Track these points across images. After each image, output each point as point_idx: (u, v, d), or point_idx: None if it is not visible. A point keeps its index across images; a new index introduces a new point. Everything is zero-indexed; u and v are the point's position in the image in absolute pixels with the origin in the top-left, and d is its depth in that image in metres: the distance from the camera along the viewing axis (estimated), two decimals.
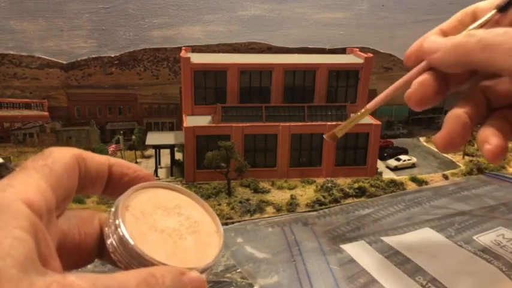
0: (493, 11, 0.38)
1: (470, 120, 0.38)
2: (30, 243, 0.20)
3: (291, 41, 2.14)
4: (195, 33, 2.08)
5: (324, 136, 0.42)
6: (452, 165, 2.90)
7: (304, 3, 2.08)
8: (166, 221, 0.27)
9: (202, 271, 0.25)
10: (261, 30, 2.11)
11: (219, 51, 2.11)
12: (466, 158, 3.32)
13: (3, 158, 1.81)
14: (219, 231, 0.29)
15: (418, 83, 0.39)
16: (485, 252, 0.73)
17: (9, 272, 0.18)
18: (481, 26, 0.39)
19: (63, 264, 0.23)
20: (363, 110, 0.41)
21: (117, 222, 0.25)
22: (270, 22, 2.11)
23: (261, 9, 2.07)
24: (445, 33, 0.41)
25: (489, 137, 0.37)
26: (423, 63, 0.39)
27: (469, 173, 2.41)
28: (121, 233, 0.24)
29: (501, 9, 0.38)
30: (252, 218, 1.39)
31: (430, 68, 0.40)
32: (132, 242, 0.24)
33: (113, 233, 0.25)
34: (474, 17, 0.41)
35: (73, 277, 0.19)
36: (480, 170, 2.40)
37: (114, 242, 0.25)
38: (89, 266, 0.29)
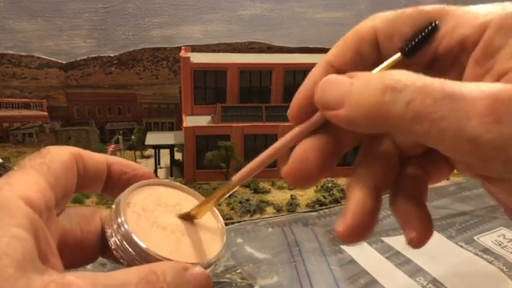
0: (398, 54, 0.26)
1: (377, 192, 0.27)
2: (29, 242, 0.20)
3: (291, 40, 2.14)
4: (195, 33, 2.07)
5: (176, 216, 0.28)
6: None
7: (304, 3, 2.08)
8: (168, 217, 0.27)
9: (206, 266, 0.25)
10: (261, 30, 2.11)
11: (219, 51, 2.11)
12: None
13: (2, 158, 1.81)
14: (222, 228, 0.29)
15: (296, 160, 0.27)
16: (485, 252, 0.72)
17: (6, 272, 0.18)
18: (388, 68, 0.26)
19: (65, 263, 0.23)
20: (228, 186, 0.29)
21: (119, 220, 0.25)
22: (270, 22, 2.11)
23: (261, 9, 2.07)
24: (337, 71, 0.27)
25: (411, 220, 0.27)
26: (316, 118, 0.27)
27: None
28: (124, 230, 0.24)
29: (407, 53, 0.26)
30: (252, 218, 1.39)
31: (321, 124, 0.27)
32: (135, 239, 0.24)
33: (115, 231, 0.25)
34: (374, 46, 0.27)
35: (72, 276, 0.19)
36: None
37: (116, 240, 0.25)
38: (88, 266, 0.29)
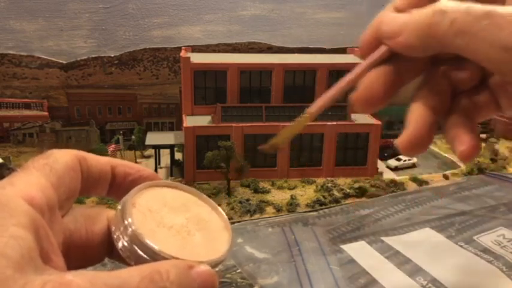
0: None
1: (434, 113, 0.33)
2: (29, 241, 0.20)
3: (291, 41, 2.14)
4: (195, 33, 2.08)
5: (261, 147, 0.35)
6: (452, 165, 2.88)
7: (304, 3, 2.08)
8: (174, 218, 0.27)
9: (212, 265, 0.25)
10: (261, 30, 2.11)
11: (219, 51, 2.11)
12: None
13: (2, 158, 1.81)
14: (228, 228, 0.29)
15: (364, 88, 0.33)
16: (485, 252, 0.72)
17: (4, 273, 0.18)
18: None
19: (72, 264, 0.23)
20: (303, 117, 0.34)
21: (126, 222, 0.25)
22: (270, 22, 2.11)
23: (261, 9, 2.07)
24: (400, 12, 0.33)
25: (461, 136, 0.33)
26: (382, 49, 0.32)
27: (470, 173, 2.40)
28: (131, 231, 0.24)
29: None
30: (252, 218, 1.39)
31: (388, 57, 0.33)
32: (142, 239, 0.24)
33: (122, 232, 0.25)
34: None
35: (71, 275, 0.19)
36: (481, 170, 2.40)
37: (123, 241, 0.25)
38: (88, 267, 0.29)
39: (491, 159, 2.98)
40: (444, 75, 0.34)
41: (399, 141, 0.33)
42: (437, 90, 0.34)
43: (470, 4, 0.28)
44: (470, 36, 0.27)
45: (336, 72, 1.90)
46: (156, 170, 1.93)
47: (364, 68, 0.32)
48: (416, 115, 0.33)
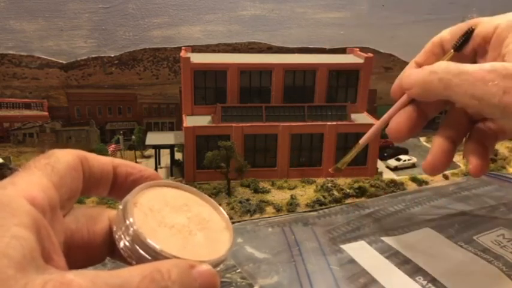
0: (452, 50, 0.43)
1: (452, 142, 0.43)
2: (31, 241, 0.20)
3: (291, 41, 2.14)
4: (195, 33, 2.08)
5: (330, 170, 0.53)
6: (452, 165, 2.89)
7: (305, 3, 2.08)
8: (175, 217, 0.27)
9: (213, 265, 0.25)
10: (261, 30, 2.11)
11: (219, 51, 2.11)
12: None
13: (3, 158, 1.81)
14: (229, 228, 0.29)
15: (395, 123, 0.44)
16: (485, 252, 0.73)
17: (6, 273, 0.18)
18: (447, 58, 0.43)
19: (73, 264, 0.23)
20: (357, 147, 0.49)
21: (127, 222, 0.25)
22: (270, 22, 2.11)
23: (261, 9, 2.07)
24: (420, 66, 0.44)
25: (470, 157, 0.42)
26: (404, 97, 0.44)
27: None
28: (133, 231, 0.24)
29: (456, 49, 0.43)
30: (252, 218, 1.39)
31: (411, 100, 0.44)
32: (144, 239, 0.24)
33: (124, 232, 0.25)
34: (442, 47, 0.45)
35: (72, 275, 0.19)
36: None
37: (125, 241, 0.25)
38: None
39: (491, 159, 2.98)
40: (461, 110, 0.43)
41: (423, 165, 0.44)
42: (455, 123, 0.44)
43: (451, 64, 0.38)
44: (451, 89, 0.37)
45: (336, 72, 1.90)
46: (156, 170, 1.93)
47: (395, 109, 0.45)
48: (437, 144, 0.43)
